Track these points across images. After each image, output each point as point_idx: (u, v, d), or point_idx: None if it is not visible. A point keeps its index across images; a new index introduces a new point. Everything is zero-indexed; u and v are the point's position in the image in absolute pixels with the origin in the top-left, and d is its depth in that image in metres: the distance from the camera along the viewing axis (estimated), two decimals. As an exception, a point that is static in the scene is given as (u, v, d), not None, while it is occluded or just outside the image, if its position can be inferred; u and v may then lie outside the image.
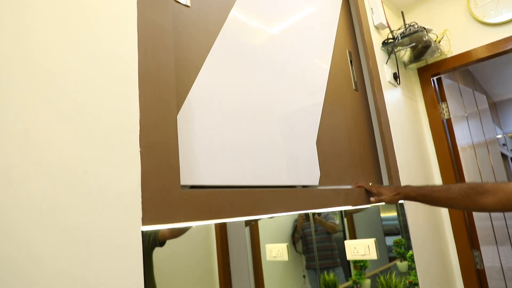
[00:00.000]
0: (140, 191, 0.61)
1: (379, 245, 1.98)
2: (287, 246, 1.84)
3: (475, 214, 2.06)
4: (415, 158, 1.78)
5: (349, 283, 2.14)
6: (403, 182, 1.50)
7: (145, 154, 0.63)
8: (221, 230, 1.74)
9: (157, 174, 0.64)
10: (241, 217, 0.74)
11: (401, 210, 1.81)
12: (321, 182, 1.07)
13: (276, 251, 1.87)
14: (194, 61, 0.82)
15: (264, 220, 1.89)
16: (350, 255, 1.61)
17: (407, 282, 1.86)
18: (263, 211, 0.80)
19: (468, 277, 1.99)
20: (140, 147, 0.62)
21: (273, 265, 1.92)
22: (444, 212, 2.05)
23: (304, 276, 1.82)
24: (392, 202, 1.26)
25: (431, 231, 1.83)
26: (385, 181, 1.41)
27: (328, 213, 2.09)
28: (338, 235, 2.08)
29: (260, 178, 0.85)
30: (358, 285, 2.12)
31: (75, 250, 0.53)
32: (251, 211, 0.77)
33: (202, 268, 1.62)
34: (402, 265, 2.00)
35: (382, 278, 1.78)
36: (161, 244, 1.42)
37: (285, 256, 1.84)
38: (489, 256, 2.08)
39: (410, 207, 1.60)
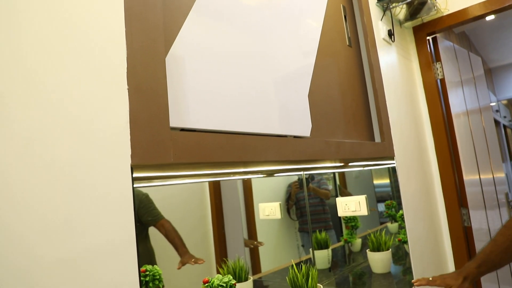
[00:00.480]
0: (129, 128, 0.60)
1: (372, 212, 2.02)
2: (280, 204, 1.88)
3: (465, 178, 2.10)
4: (407, 118, 1.78)
5: (341, 243, 2.20)
6: (395, 142, 1.51)
7: (133, 92, 0.62)
8: (215, 191, 1.76)
9: (146, 113, 0.63)
10: (231, 161, 0.74)
11: (393, 174, 1.83)
12: (313, 134, 1.08)
13: (269, 210, 1.91)
14: (182, 5, 0.80)
15: (257, 180, 1.91)
16: (342, 212, 1.65)
17: (396, 240, 1.91)
18: (254, 157, 0.80)
19: (455, 234, 2.04)
20: (128, 85, 0.62)
21: (267, 223, 1.96)
22: (435, 172, 2.08)
23: (302, 246, 1.86)
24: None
25: (422, 191, 1.86)
26: (377, 138, 1.42)
27: (321, 178, 2.12)
28: (331, 200, 2.12)
29: (250, 125, 0.85)
30: (349, 244, 2.17)
31: (63, 187, 0.53)
32: (241, 155, 0.77)
33: (198, 231, 1.65)
34: (392, 226, 2.05)
35: (372, 236, 1.83)
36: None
37: (277, 215, 1.88)
38: (477, 218, 2.13)
39: (403, 171, 1.62)
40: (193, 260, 1.60)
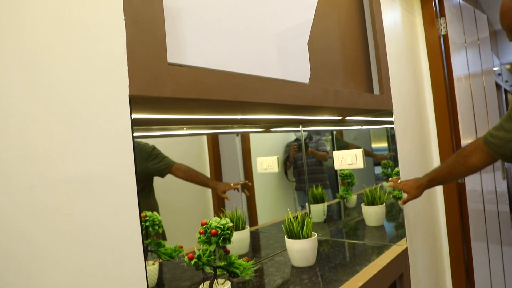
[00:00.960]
0: (126, 59, 0.60)
1: (368, 173, 2.05)
2: (277, 158, 1.90)
3: (462, 141, 2.11)
4: (408, 73, 1.77)
5: (337, 199, 2.25)
6: (394, 96, 1.51)
7: (130, 23, 0.62)
8: (213, 145, 1.78)
9: (143, 45, 0.63)
10: (228, 99, 0.75)
11: (392, 138, 1.84)
12: (311, 82, 1.08)
13: (267, 164, 1.94)
14: None
15: (255, 136, 1.92)
16: (338, 165, 1.67)
17: (391, 196, 1.95)
18: (251, 97, 0.80)
19: (449, 191, 2.09)
20: (125, 15, 0.61)
21: (264, 178, 1.99)
22: (432, 131, 2.09)
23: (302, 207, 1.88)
24: (417, 196, 1.42)
25: (418, 149, 1.88)
26: (376, 90, 1.42)
27: (319, 139, 2.13)
28: (329, 162, 2.15)
29: (248, 67, 0.85)
30: (345, 200, 2.23)
31: (63, 112, 0.54)
32: (238, 94, 0.78)
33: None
34: (389, 188, 2.09)
35: (367, 190, 1.87)
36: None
37: (275, 168, 1.91)
38: (471, 179, 2.17)
39: (400, 125, 1.62)
40: (232, 184, 1.63)
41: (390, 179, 1.58)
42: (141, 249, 0.59)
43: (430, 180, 1.39)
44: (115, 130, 0.59)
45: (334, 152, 1.66)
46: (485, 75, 2.66)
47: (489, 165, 1.26)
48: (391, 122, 1.57)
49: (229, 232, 1.03)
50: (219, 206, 1.74)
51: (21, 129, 0.50)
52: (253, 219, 2.02)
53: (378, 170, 2.11)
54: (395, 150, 1.70)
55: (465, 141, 2.12)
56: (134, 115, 0.87)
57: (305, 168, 2.04)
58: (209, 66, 0.76)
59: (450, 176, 1.34)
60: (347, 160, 1.60)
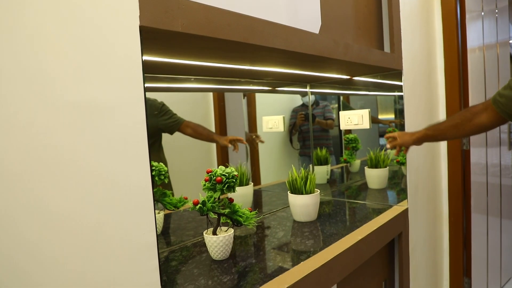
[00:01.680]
0: (137, -11, 0.60)
1: (373, 143, 2.04)
2: (283, 118, 1.91)
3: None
4: (420, 33, 1.72)
5: (341, 164, 2.27)
6: (405, 56, 1.48)
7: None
8: (219, 103, 1.77)
9: (154, -24, 0.62)
10: (238, 40, 0.74)
11: (399, 113, 1.82)
12: (321, 33, 1.06)
13: (272, 123, 1.94)
14: None
15: (262, 99, 1.92)
16: (344, 125, 1.67)
17: (394, 161, 1.96)
18: (261, 40, 0.80)
19: (452, 157, 2.09)
20: None
21: (269, 137, 2.00)
22: (441, 96, 2.07)
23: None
24: (408, 142, 1.40)
25: (425, 114, 1.86)
26: (386, 48, 1.40)
27: (326, 105, 2.12)
28: (335, 130, 2.14)
29: (259, 11, 0.84)
30: (349, 164, 2.24)
31: (74, 35, 0.54)
32: (248, 37, 0.77)
33: (203, 144, 1.69)
34: (392, 152, 2.09)
35: (371, 153, 1.88)
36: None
37: (281, 128, 1.92)
38: (475, 154, 2.16)
39: (408, 86, 1.60)
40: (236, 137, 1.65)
41: (385, 136, 1.50)
42: (149, 178, 0.60)
43: (429, 129, 1.35)
44: (126, 59, 0.59)
45: (340, 112, 1.66)
46: (500, 46, 2.60)
47: (496, 127, 1.25)
48: (400, 89, 1.53)
49: (234, 180, 1.05)
50: (224, 162, 1.77)
51: (32, 50, 0.50)
52: (256, 178, 2.05)
53: (383, 141, 2.10)
54: (402, 111, 1.69)
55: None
56: (146, 58, 0.87)
57: (311, 135, 2.05)
58: (220, 5, 0.75)
59: (454, 130, 1.29)
60: (353, 120, 1.60)
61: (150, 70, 1.13)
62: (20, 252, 0.48)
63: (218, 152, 1.82)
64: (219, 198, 1.06)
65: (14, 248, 0.47)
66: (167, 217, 1.50)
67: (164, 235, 1.29)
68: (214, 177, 1.04)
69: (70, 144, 0.52)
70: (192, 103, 1.66)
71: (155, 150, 1.49)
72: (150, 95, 1.40)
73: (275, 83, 1.79)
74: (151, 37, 0.67)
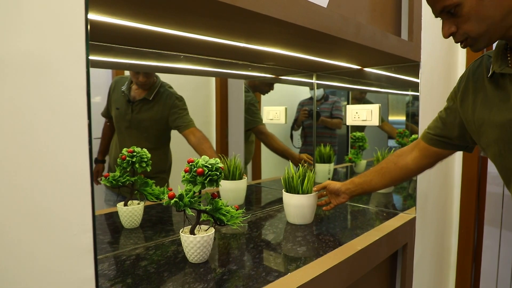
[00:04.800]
0: None
1: (381, 145, 1.88)
2: (285, 109, 1.76)
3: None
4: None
5: (345, 163, 2.11)
6: (424, 44, 1.31)
7: None
8: (221, 88, 1.64)
9: None
10: (225, 1, 0.59)
11: (411, 114, 1.65)
12: (329, 8, 0.91)
13: (273, 114, 1.79)
14: None
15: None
16: (351, 120, 1.52)
17: (404, 164, 1.80)
18: (252, 4, 0.65)
19: (468, 164, 1.93)
20: None
21: (271, 128, 1.86)
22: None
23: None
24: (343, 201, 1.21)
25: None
26: (404, 35, 1.23)
27: (336, 101, 1.96)
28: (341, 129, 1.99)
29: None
30: (354, 164, 2.08)
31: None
32: (236, -2, 0.62)
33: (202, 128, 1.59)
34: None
35: (379, 153, 1.72)
36: None
37: (282, 119, 1.77)
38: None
39: (426, 79, 1.44)
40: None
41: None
42: (87, 161, 0.46)
43: (357, 176, 1.17)
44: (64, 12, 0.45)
45: (347, 106, 1.50)
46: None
47: (423, 170, 1.08)
48: (415, 87, 1.36)
49: (218, 173, 0.91)
50: (222, 154, 1.64)
51: None
52: (256, 172, 1.92)
53: (391, 142, 1.94)
54: (415, 114, 1.54)
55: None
56: (108, 19, 0.72)
57: (314, 132, 1.90)
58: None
59: (378, 177, 1.11)
60: (361, 115, 1.44)
61: (126, 41, 0.98)
62: None
63: (218, 143, 1.69)
64: (200, 192, 0.92)
65: None
66: (149, 209, 1.37)
67: (142, 229, 1.16)
68: (195, 168, 0.90)
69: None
70: (194, 88, 1.55)
71: (163, 145, 1.38)
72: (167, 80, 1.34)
73: (278, 69, 1.63)
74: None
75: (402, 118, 1.86)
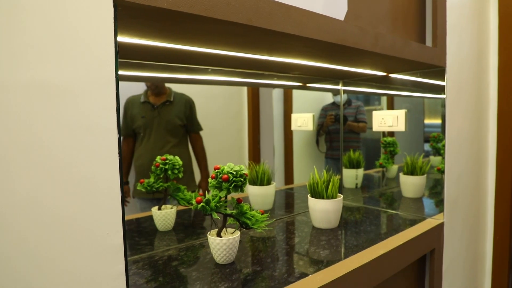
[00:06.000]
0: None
1: (417, 148, 1.86)
2: (313, 116, 1.79)
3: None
4: (470, 26, 1.53)
5: (376, 168, 2.11)
6: (449, 50, 1.31)
7: None
8: (253, 97, 1.70)
9: None
10: (239, 21, 0.65)
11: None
12: (348, 21, 0.94)
13: (301, 121, 1.83)
14: None
15: (293, 92, 1.82)
16: (377, 126, 1.53)
17: (435, 169, 1.78)
18: (267, 23, 0.70)
19: (504, 165, 1.86)
20: None
21: (297, 134, 1.90)
22: (492, 97, 1.85)
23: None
24: None
25: (473, 117, 1.66)
26: (428, 42, 1.24)
27: (360, 105, 1.97)
28: (369, 134, 1.99)
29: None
30: (385, 169, 2.08)
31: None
32: (251, 18, 0.68)
33: (235, 141, 1.68)
34: (436, 159, 1.90)
35: (408, 158, 1.72)
36: None
37: (310, 126, 1.80)
38: None
39: (453, 83, 1.42)
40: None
41: None
42: (117, 173, 0.53)
43: None
44: (94, 38, 0.52)
45: (373, 112, 1.51)
46: None
47: None
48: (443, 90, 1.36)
49: (242, 179, 0.96)
50: (254, 160, 1.72)
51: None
52: (289, 178, 1.96)
53: (427, 147, 1.92)
54: (443, 118, 1.52)
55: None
56: (132, 39, 0.80)
57: (341, 137, 1.91)
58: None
59: None
60: (388, 121, 1.45)
61: (157, 58, 1.06)
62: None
63: (250, 148, 1.75)
64: (225, 197, 0.98)
65: None
66: (182, 213, 1.45)
67: (175, 231, 1.24)
68: (221, 175, 0.96)
69: (25, 129, 0.46)
70: (228, 97, 1.64)
71: (182, 144, 1.49)
72: (176, 87, 1.45)
73: (305, 78, 1.68)
74: (132, 15, 0.59)
75: (438, 121, 1.83)
